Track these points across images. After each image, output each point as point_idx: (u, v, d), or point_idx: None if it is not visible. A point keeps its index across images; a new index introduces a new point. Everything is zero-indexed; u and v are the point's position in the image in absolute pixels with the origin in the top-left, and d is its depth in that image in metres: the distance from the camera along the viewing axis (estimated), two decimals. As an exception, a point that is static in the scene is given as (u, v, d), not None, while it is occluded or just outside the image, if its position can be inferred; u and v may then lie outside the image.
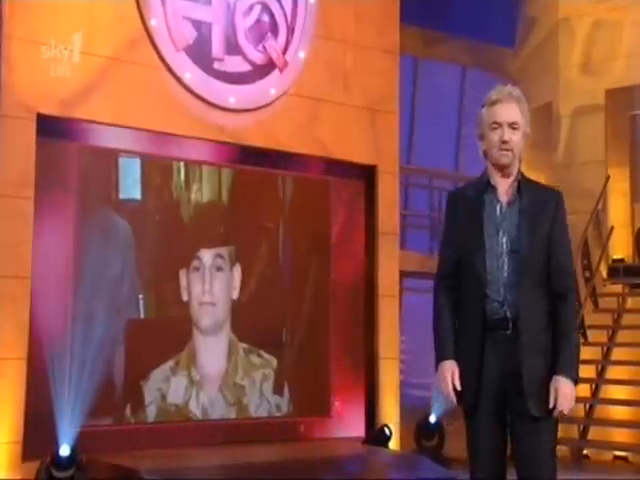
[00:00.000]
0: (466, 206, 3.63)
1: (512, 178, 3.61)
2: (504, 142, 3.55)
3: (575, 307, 3.59)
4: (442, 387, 3.56)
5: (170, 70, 7.73)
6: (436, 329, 3.64)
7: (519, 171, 3.63)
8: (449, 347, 3.58)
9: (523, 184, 3.61)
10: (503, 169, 3.59)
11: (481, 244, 3.53)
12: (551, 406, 3.43)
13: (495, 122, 3.56)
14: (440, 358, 3.59)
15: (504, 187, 3.60)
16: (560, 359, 3.46)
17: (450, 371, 3.54)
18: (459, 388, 3.52)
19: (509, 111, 3.56)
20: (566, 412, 3.46)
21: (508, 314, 3.48)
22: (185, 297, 7.89)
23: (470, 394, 3.51)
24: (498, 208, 3.58)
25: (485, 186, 3.62)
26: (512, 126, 3.55)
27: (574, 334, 3.53)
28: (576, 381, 3.48)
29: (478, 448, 3.53)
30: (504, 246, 3.53)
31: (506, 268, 3.50)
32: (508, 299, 3.49)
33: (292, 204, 8.63)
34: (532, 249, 3.51)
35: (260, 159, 8.32)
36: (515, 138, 3.56)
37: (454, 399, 3.54)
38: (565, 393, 3.42)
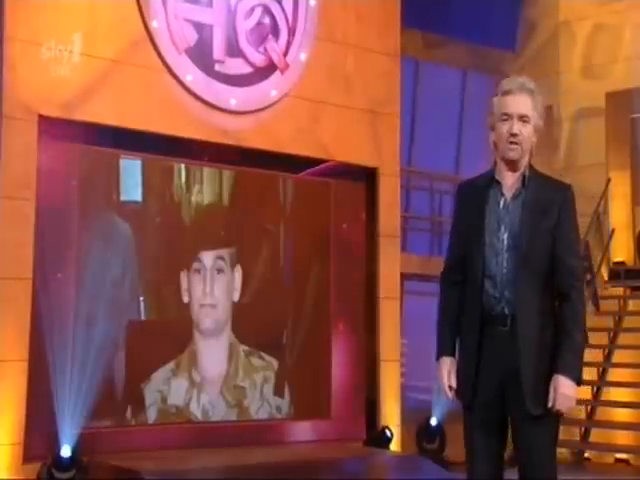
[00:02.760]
0: (472, 198, 3.54)
1: (519, 172, 3.49)
2: (513, 135, 3.43)
3: (579, 306, 3.43)
4: (439, 384, 3.55)
5: (171, 72, 7.73)
6: (437, 325, 3.62)
7: (528, 165, 3.50)
8: (448, 343, 3.57)
9: (530, 178, 3.48)
10: (510, 163, 3.48)
11: (482, 239, 3.44)
12: (549, 405, 3.36)
13: (505, 113, 3.44)
14: (438, 354, 3.58)
15: (510, 181, 3.49)
16: (561, 358, 3.37)
17: (447, 368, 3.54)
18: (454, 386, 3.51)
19: (520, 103, 3.43)
20: (564, 411, 3.38)
21: (505, 310, 3.42)
22: (186, 299, 7.89)
23: (468, 388, 3.47)
24: (502, 202, 3.47)
25: (491, 180, 3.52)
26: (522, 119, 3.43)
27: (577, 333, 3.40)
28: (578, 381, 3.39)
29: (472, 443, 3.49)
30: (505, 242, 3.43)
31: (505, 265, 3.42)
32: (506, 295, 3.41)
33: (293, 206, 8.63)
34: (533, 245, 3.40)
35: (261, 161, 8.32)
36: (525, 131, 3.44)
37: (449, 395, 3.52)
38: (563, 393, 3.34)
